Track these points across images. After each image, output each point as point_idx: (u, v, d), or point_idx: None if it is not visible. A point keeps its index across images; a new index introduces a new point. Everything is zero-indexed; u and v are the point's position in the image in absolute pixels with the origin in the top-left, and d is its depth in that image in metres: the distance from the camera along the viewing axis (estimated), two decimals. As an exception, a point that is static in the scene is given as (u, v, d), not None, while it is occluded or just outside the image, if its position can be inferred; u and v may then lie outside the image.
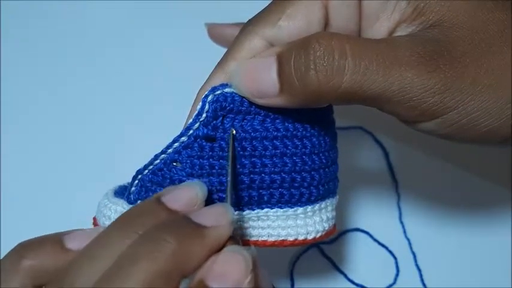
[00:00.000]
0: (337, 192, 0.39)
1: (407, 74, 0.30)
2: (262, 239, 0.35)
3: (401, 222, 0.51)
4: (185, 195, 0.30)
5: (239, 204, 0.35)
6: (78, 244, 0.29)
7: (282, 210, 0.35)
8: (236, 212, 0.34)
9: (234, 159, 0.33)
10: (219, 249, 0.28)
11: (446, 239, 0.51)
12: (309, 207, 0.35)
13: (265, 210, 0.35)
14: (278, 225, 0.35)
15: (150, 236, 0.27)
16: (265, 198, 0.34)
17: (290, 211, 0.35)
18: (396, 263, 0.50)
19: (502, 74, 0.31)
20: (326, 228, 0.36)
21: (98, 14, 0.58)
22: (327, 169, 0.36)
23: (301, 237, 0.35)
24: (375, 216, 0.51)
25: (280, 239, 0.35)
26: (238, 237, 0.35)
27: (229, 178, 0.32)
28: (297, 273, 0.49)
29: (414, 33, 0.32)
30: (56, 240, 0.30)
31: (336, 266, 0.50)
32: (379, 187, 0.52)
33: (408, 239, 0.51)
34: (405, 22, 0.33)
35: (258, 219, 0.35)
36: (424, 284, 0.49)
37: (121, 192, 0.37)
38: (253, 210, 0.35)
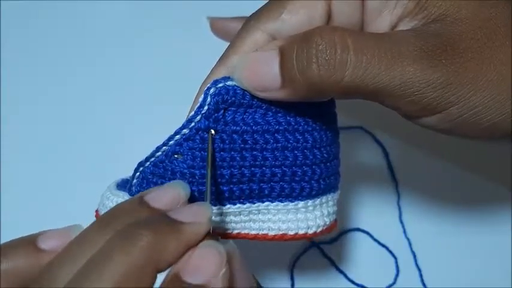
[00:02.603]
0: (339, 188, 0.39)
1: (409, 68, 0.30)
2: (263, 232, 0.35)
3: (401, 222, 0.51)
4: (168, 195, 0.30)
5: (239, 198, 0.35)
6: (52, 244, 0.29)
7: (282, 204, 0.35)
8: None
9: (213, 156, 0.33)
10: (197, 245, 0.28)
11: (446, 239, 0.51)
12: (310, 202, 0.35)
13: (266, 203, 0.35)
14: (279, 219, 0.35)
15: (125, 231, 0.27)
16: (266, 191, 0.34)
17: (291, 205, 0.35)
18: (396, 263, 0.50)
19: (504, 69, 0.31)
20: (327, 223, 0.36)
21: (97, 14, 0.58)
22: (328, 163, 0.36)
23: (301, 232, 0.35)
24: (375, 216, 0.51)
25: (281, 232, 0.35)
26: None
27: (208, 177, 0.32)
28: (297, 273, 0.49)
29: (417, 28, 0.32)
30: (29, 241, 0.30)
31: (336, 266, 0.50)
32: (379, 187, 0.52)
33: (408, 239, 0.51)
34: (407, 17, 0.33)
35: (259, 213, 0.35)
36: (424, 284, 0.49)
37: (123, 185, 0.37)
38: (254, 203, 0.35)
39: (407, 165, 0.53)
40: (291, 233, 0.35)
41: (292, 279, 0.49)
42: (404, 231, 0.51)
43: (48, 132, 0.53)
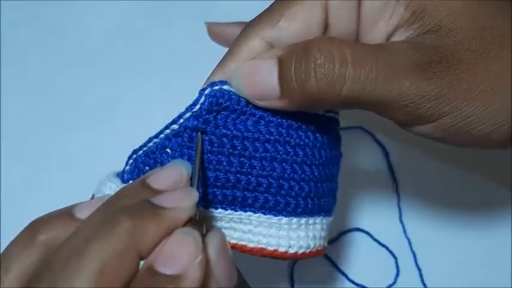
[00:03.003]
0: (337, 193, 0.38)
1: (405, 81, 0.30)
2: (242, 243, 0.34)
3: (402, 222, 0.51)
4: (170, 176, 0.30)
5: (222, 203, 0.34)
6: (87, 213, 0.30)
7: (265, 216, 0.34)
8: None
9: (202, 154, 0.33)
10: None
11: (446, 239, 0.51)
12: (295, 219, 0.34)
13: (248, 213, 0.34)
14: (259, 231, 0.34)
15: (106, 217, 0.27)
16: (249, 200, 0.33)
17: (274, 219, 0.34)
18: (396, 262, 0.50)
19: (498, 80, 0.31)
20: (311, 246, 0.35)
21: (98, 14, 0.58)
22: (319, 184, 0.34)
23: (281, 249, 0.34)
24: (375, 216, 0.51)
25: (260, 246, 0.34)
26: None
27: (196, 165, 0.31)
28: (297, 273, 0.50)
29: (412, 39, 0.32)
30: (66, 212, 0.31)
31: (336, 266, 0.50)
32: (379, 187, 0.52)
33: (408, 239, 0.51)
34: (403, 26, 0.33)
35: (240, 222, 0.34)
36: (424, 284, 0.49)
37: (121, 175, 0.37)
38: (236, 211, 0.34)
39: (408, 165, 0.53)
40: (270, 248, 0.34)
41: (292, 279, 0.49)
42: (405, 232, 0.51)
43: (48, 132, 0.54)
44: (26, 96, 0.55)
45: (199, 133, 0.33)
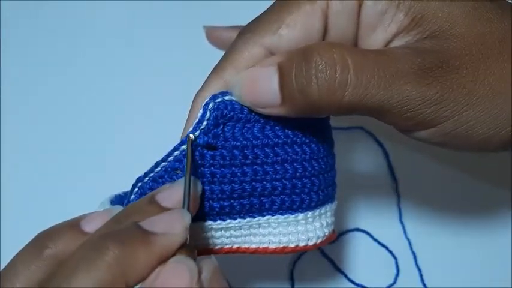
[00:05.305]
0: (337, 193, 0.39)
1: (406, 87, 0.30)
2: (263, 246, 0.36)
3: (402, 223, 0.51)
4: (179, 193, 0.30)
5: (240, 212, 0.34)
6: (95, 226, 0.30)
7: (283, 216, 0.35)
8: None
9: (192, 165, 0.32)
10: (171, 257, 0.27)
11: (446, 239, 0.51)
12: (309, 213, 0.35)
13: (267, 217, 0.35)
14: (279, 232, 0.35)
15: (93, 244, 0.26)
16: (267, 205, 0.34)
17: (291, 217, 0.35)
18: (396, 263, 0.50)
19: (498, 84, 0.32)
20: (326, 234, 0.37)
21: (98, 14, 0.58)
22: (325, 174, 0.36)
23: (302, 244, 0.36)
24: (375, 217, 0.52)
25: (282, 245, 0.36)
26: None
27: (186, 183, 0.30)
28: (297, 273, 0.50)
29: (412, 44, 0.32)
30: (73, 225, 0.30)
31: (336, 266, 0.50)
32: (379, 187, 0.52)
33: (408, 239, 0.51)
34: (402, 32, 0.33)
35: (259, 227, 0.35)
36: (424, 284, 0.49)
37: (117, 201, 0.37)
38: (254, 217, 0.35)
39: (408, 166, 0.53)
40: (292, 245, 0.36)
41: (292, 279, 0.49)
42: (405, 232, 0.51)
43: (48, 133, 0.54)
44: (26, 96, 0.55)
45: (189, 137, 0.32)
